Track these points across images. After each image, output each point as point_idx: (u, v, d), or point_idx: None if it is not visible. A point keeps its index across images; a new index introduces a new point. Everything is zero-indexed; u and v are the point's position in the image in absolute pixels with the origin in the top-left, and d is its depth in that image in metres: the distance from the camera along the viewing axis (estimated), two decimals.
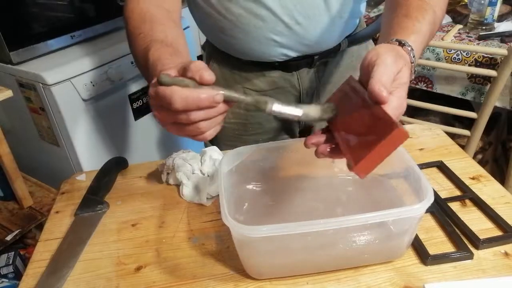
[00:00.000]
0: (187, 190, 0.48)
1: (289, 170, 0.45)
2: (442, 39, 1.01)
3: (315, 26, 0.50)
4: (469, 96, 1.00)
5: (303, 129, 0.63)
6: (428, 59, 1.01)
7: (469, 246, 0.39)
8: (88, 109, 0.87)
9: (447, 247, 0.39)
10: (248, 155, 0.42)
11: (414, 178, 0.37)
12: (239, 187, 0.43)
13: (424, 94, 1.07)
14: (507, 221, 0.41)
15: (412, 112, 1.13)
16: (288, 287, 0.36)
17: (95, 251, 0.42)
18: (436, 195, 0.45)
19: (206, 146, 0.60)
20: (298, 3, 0.48)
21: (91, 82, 0.85)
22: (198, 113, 0.30)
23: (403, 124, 1.05)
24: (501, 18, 1.04)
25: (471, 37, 1.00)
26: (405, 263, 0.38)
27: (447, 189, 0.47)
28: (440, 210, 0.43)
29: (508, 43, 0.94)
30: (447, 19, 1.11)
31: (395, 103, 0.30)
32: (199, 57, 1.28)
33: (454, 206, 0.44)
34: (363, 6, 0.57)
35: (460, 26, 1.06)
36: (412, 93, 1.13)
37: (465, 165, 0.50)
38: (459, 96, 1.01)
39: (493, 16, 1.00)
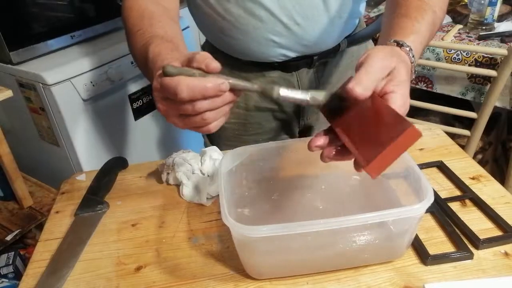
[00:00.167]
0: (187, 190, 0.48)
1: (289, 170, 0.45)
2: (442, 39, 1.01)
3: (314, 26, 0.50)
4: (469, 96, 1.00)
5: (303, 129, 0.63)
6: (428, 59, 1.00)
7: (469, 246, 0.39)
8: (88, 109, 0.87)
9: (447, 247, 0.39)
10: (248, 155, 0.42)
11: (414, 178, 0.37)
12: (239, 187, 0.43)
13: (424, 94, 1.07)
14: (507, 221, 0.41)
15: (412, 112, 1.13)
16: (288, 287, 0.36)
17: (95, 251, 0.42)
18: (436, 195, 0.45)
19: (206, 146, 0.60)
20: (297, 3, 0.48)
21: (91, 82, 0.85)
22: (204, 103, 0.30)
23: None
24: (501, 18, 1.04)
25: (471, 37, 1.00)
26: (405, 263, 0.38)
27: (447, 189, 0.47)
28: (440, 210, 0.43)
29: (508, 43, 0.94)
30: (447, 19, 1.11)
31: (399, 102, 0.30)
32: None
33: (454, 206, 0.44)
34: (362, 7, 0.56)
35: (460, 26, 1.06)
36: (412, 93, 1.13)
37: (465, 165, 0.50)
38: (459, 96, 1.01)
39: (493, 16, 1.00)
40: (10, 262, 0.81)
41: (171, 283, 0.37)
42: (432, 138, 0.56)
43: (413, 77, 0.35)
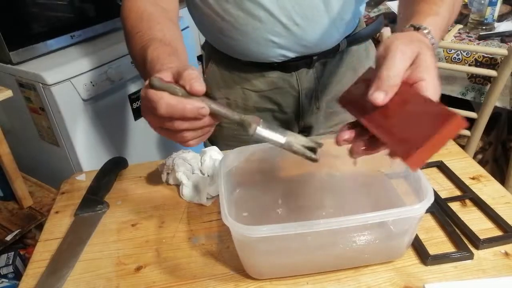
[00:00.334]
0: (187, 190, 0.47)
1: (289, 170, 0.45)
2: (442, 39, 1.01)
3: (313, 27, 0.50)
4: (469, 96, 1.00)
5: (303, 129, 0.63)
6: None
7: (469, 246, 0.39)
8: (88, 109, 0.87)
9: (447, 247, 0.39)
10: (248, 155, 0.42)
11: (414, 178, 0.37)
12: (239, 187, 0.43)
13: None
14: (507, 221, 0.41)
15: None
16: (288, 287, 0.36)
17: (95, 251, 0.42)
18: (436, 195, 0.45)
19: (206, 146, 0.60)
20: (296, 4, 0.48)
21: (91, 82, 0.85)
22: (182, 123, 0.30)
23: None
24: (501, 18, 1.04)
25: (471, 37, 1.00)
26: (405, 263, 0.38)
27: (447, 189, 0.47)
28: (440, 210, 0.43)
29: (508, 43, 0.94)
30: None
31: (431, 89, 0.28)
32: (199, 57, 1.28)
33: (454, 206, 0.44)
34: (362, 7, 0.56)
35: (460, 26, 1.06)
36: None
37: (465, 165, 0.50)
38: (459, 96, 1.01)
39: (493, 16, 1.00)
40: (10, 262, 0.81)
41: (171, 283, 0.37)
42: None
43: (437, 60, 0.33)
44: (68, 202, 0.49)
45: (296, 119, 0.61)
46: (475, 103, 1.04)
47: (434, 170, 0.50)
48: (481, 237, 0.39)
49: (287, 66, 0.55)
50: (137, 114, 0.99)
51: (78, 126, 0.86)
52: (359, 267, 0.37)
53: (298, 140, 0.32)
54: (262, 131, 0.32)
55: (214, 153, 0.51)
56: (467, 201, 0.45)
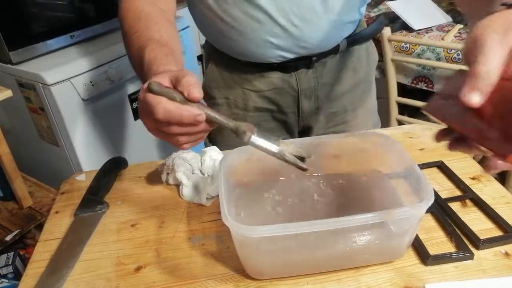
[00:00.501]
0: (187, 190, 0.47)
1: (289, 170, 0.44)
2: (443, 39, 1.01)
3: (312, 29, 0.50)
4: None
5: (302, 129, 0.63)
6: (428, 59, 1.01)
7: (470, 246, 0.38)
8: (87, 109, 0.87)
9: (448, 247, 0.39)
10: (248, 155, 0.42)
11: (414, 178, 0.37)
12: (239, 187, 0.43)
13: (424, 94, 1.07)
14: (508, 221, 0.41)
15: (412, 112, 1.13)
16: (288, 287, 0.36)
17: (95, 251, 0.42)
18: (436, 195, 0.45)
19: (206, 146, 0.60)
20: (295, 5, 0.48)
21: (91, 82, 0.85)
22: (179, 128, 0.31)
23: (403, 124, 1.05)
24: None
25: None
26: (405, 263, 0.38)
27: (448, 189, 0.47)
28: (440, 210, 0.43)
29: None
30: (448, 18, 1.11)
31: None
32: (199, 57, 1.28)
33: (455, 206, 0.44)
34: (363, 9, 0.56)
35: (461, 26, 1.06)
36: (412, 93, 1.14)
37: (466, 165, 0.50)
38: None
39: None
40: (10, 262, 0.81)
41: (171, 283, 0.37)
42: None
43: None
44: (68, 202, 0.49)
45: (296, 119, 0.61)
46: None
47: (435, 170, 0.50)
48: (482, 237, 0.39)
49: (286, 66, 0.55)
50: (137, 114, 0.98)
51: (77, 126, 0.86)
52: (359, 267, 0.37)
53: (290, 150, 0.34)
54: (256, 139, 0.33)
55: (214, 153, 0.51)
56: (468, 201, 0.45)
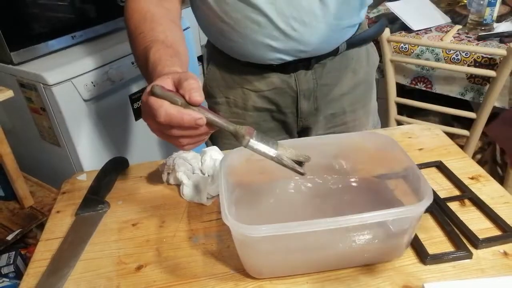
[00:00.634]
0: (187, 190, 0.48)
1: (289, 170, 0.45)
2: (441, 39, 1.01)
3: (311, 32, 0.50)
4: (468, 96, 1.00)
5: (301, 129, 0.63)
6: (427, 59, 1.01)
7: (468, 245, 0.39)
8: (89, 109, 0.87)
9: (446, 247, 0.39)
10: (248, 155, 0.42)
11: (413, 178, 0.37)
12: (239, 187, 0.43)
13: (423, 95, 1.08)
14: (506, 220, 0.41)
15: (411, 112, 1.14)
16: (288, 287, 0.36)
17: (96, 250, 0.42)
18: (435, 195, 0.45)
19: (206, 145, 0.61)
20: (294, 10, 0.48)
21: (92, 83, 0.85)
22: (180, 131, 0.32)
23: (402, 124, 1.05)
24: (500, 18, 1.05)
25: (470, 37, 1.00)
26: (404, 262, 0.38)
27: (446, 189, 0.47)
28: (439, 210, 0.43)
29: (507, 44, 0.94)
30: (446, 19, 1.11)
31: None
32: (200, 58, 1.29)
33: (453, 206, 0.44)
34: (363, 12, 0.56)
35: (459, 27, 1.06)
36: (411, 93, 1.14)
37: (464, 165, 0.50)
38: (458, 96, 1.01)
39: (492, 16, 1.00)
40: (11, 262, 0.82)
41: (171, 283, 0.38)
42: (431, 138, 0.57)
43: None
44: (69, 201, 0.49)
45: (295, 120, 0.61)
46: (474, 103, 1.05)
47: (433, 170, 0.50)
48: (480, 236, 0.39)
49: (285, 67, 0.55)
50: (138, 114, 0.99)
51: (79, 126, 0.86)
52: (358, 266, 0.38)
53: (288, 154, 0.34)
54: (255, 143, 0.34)
55: (214, 153, 0.51)
56: (466, 201, 0.45)
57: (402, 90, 1.12)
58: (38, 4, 0.86)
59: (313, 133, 0.62)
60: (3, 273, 0.81)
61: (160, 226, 0.44)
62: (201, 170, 0.50)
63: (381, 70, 1.08)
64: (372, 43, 0.63)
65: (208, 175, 0.49)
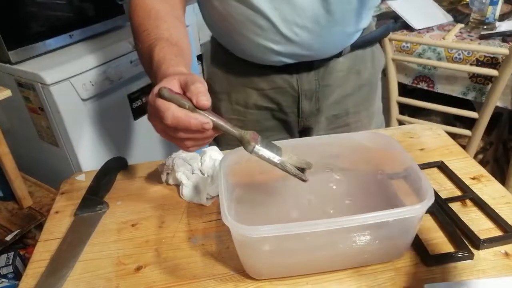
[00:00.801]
0: (187, 190, 0.47)
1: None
2: (443, 38, 1.00)
3: (314, 39, 0.50)
4: (470, 96, 0.99)
5: (303, 129, 0.62)
6: (429, 58, 1.00)
7: (470, 246, 0.38)
8: (87, 109, 0.87)
9: (448, 247, 0.39)
10: (249, 155, 0.42)
11: (414, 178, 0.37)
12: (239, 187, 0.43)
13: (425, 94, 1.07)
14: (508, 221, 0.41)
15: (413, 112, 1.13)
16: (288, 287, 0.36)
17: (95, 251, 0.42)
18: (436, 195, 0.45)
19: (209, 145, 0.60)
20: (298, 16, 0.47)
21: (90, 82, 0.85)
22: (186, 134, 0.33)
23: (404, 124, 1.05)
24: (503, 17, 1.04)
25: (473, 36, 1.00)
26: (405, 263, 0.38)
27: (448, 189, 0.47)
28: (440, 210, 0.43)
29: (510, 43, 0.94)
30: (448, 18, 1.11)
31: None
32: (199, 57, 1.28)
33: (455, 206, 0.44)
34: (370, 17, 0.55)
35: (462, 26, 1.06)
36: (413, 92, 1.14)
37: (466, 165, 0.50)
38: (460, 96, 1.01)
39: (494, 15, 1.00)
40: (10, 262, 0.81)
41: (171, 283, 0.37)
42: (433, 138, 0.56)
43: None
44: (67, 202, 0.49)
45: (296, 119, 0.60)
46: (476, 103, 1.04)
47: (435, 170, 0.50)
48: (481, 237, 0.39)
49: (287, 68, 0.55)
50: (137, 114, 0.98)
51: (77, 126, 0.86)
52: (359, 267, 0.37)
53: (291, 161, 0.35)
54: (259, 149, 0.34)
55: (214, 153, 0.51)
56: (468, 201, 0.44)
57: (403, 90, 1.11)
58: (35, 2, 0.85)
59: (314, 134, 0.61)
60: (2, 273, 0.81)
61: (160, 226, 0.44)
62: (200, 171, 0.50)
63: (382, 70, 1.07)
64: (378, 45, 0.62)
65: (208, 176, 0.49)
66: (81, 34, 0.92)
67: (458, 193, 0.46)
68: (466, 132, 0.99)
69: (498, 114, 1.07)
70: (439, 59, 0.99)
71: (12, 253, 0.83)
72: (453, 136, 0.64)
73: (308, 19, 0.48)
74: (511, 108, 0.96)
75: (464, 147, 0.98)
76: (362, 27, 0.54)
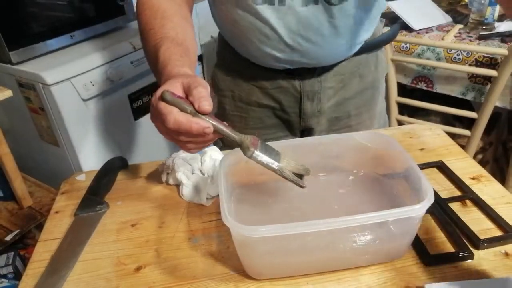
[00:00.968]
0: (187, 190, 0.47)
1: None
2: (443, 39, 1.01)
3: (318, 49, 0.50)
4: (469, 96, 1.00)
5: (303, 129, 0.62)
6: (428, 59, 1.01)
7: (470, 246, 0.39)
8: (88, 109, 0.87)
9: (448, 247, 0.39)
10: None
11: (414, 178, 0.37)
12: (239, 187, 0.43)
13: (424, 94, 1.07)
14: (508, 221, 0.41)
15: (412, 112, 1.13)
16: (288, 287, 0.36)
17: (95, 251, 0.42)
18: (436, 195, 0.45)
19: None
20: (302, 27, 0.47)
21: (91, 82, 0.85)
22: (187, 137, 0.33)
23: (403, 124, 1.05)
24: (502, 18, 1.04)
25: (472, 37, 1.00)
26: (405, 263, 0.38)
27: (448, 189, 0.47)
28: (440, 210, 0.43)
29: (509, 43, 0.94)
30: (447, 18, 1.11)
31: None
32: (200, 57, 1.29)
33: (455, 206, 0.44)
34: (375, 26, 0.55)
35: (461, 26, 1.06)
36: (412, 93, 1.14)
37: (466, 165, 0.50)
38: (460, 96, 1.01)
39: (493, 16, 1.00)
40: (10, 262, 0.81)
41: (171, 284, 0.37)
42: (433, 138, 0.56)
43: None
44: (68, 202, 0.49)
45: (298, 120, 0.60)
46: (475, 103, 1.04)
47: (434, 170, 0.50)
48: (481, 237, 0.39)
49: (291, 72, 0.55)
50: (137, 114, 0.98)
51: (78, 126, 0.86)
52: (359, 267, 0.37)
53: (289, 167, 0.36)
54: (258, 155, 0.35)
55: (214, 153, 0.51)
56: (467, 201, 0.45)
57: (403, 90, 1.12)
58: (36, 3, 0.86)
59: (316, 134, 0.61)
60: (1, 273, 0.81)
61: (160, 226, 0.44)
62: (200, 171, 0.50)
63: None
64: (382, 49, 0.62)
65: (208, 175, 0.49)
66: (82, 35, 0.92)
67: (458, 193, 0.46)
68: (466, 132, 1.00)
69: (497, 114, 1.07)
70: (438, 59, 0.99)
71: (12, 253, 0.83)
72: (453, 136, 0.64)
73: (313, 31, 0.48)
74: (510, 108, 0.96)
75: (463, 147, 0.98)
76: (365, 39, 0.55)
